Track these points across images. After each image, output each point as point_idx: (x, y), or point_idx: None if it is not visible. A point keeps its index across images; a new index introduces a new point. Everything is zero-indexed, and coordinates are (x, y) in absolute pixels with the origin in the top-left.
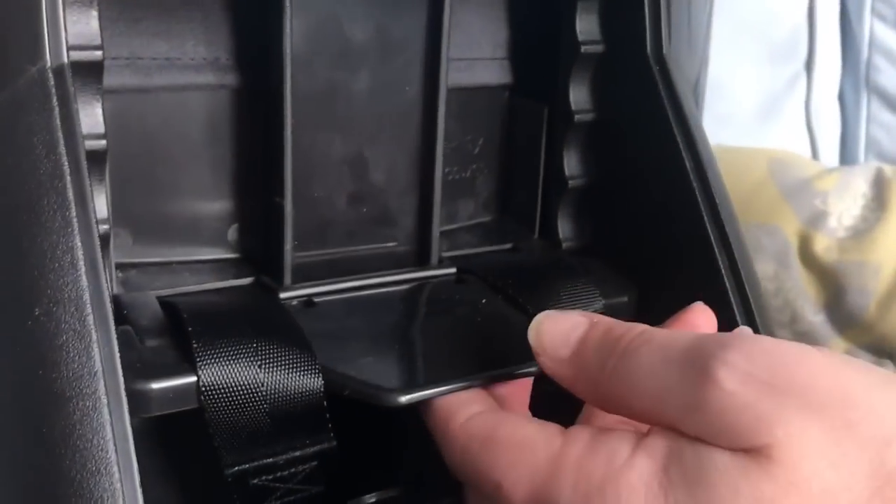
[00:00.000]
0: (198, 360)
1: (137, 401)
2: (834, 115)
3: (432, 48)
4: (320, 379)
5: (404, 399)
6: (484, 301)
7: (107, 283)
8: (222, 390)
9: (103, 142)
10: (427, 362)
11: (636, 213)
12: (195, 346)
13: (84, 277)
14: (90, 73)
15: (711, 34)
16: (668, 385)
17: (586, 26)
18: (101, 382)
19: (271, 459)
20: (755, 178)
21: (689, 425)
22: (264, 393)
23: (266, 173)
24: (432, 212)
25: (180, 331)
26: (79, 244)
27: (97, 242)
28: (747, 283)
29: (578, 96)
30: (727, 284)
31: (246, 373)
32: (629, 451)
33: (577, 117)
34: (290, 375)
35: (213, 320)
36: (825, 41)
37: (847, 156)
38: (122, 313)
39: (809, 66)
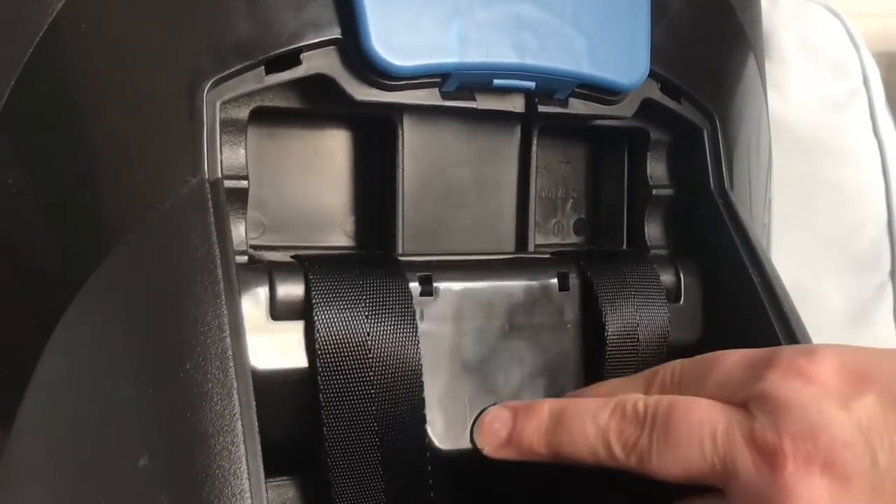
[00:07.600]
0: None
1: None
2: None
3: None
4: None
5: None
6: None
7: (245, 344)
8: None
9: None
10: None
11: None
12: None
13: (228, 338)
14: (237, 197)
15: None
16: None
17: (656, 172)
18: (239, 422)
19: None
20: None
21: None
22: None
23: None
24: None
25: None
26: (225, 312)
27: (240, 312)
28: None
29: (653, 232)
30: None
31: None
32: None
33: (652, 251)
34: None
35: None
36: None
37: None
38: None
39: (894, 275)
